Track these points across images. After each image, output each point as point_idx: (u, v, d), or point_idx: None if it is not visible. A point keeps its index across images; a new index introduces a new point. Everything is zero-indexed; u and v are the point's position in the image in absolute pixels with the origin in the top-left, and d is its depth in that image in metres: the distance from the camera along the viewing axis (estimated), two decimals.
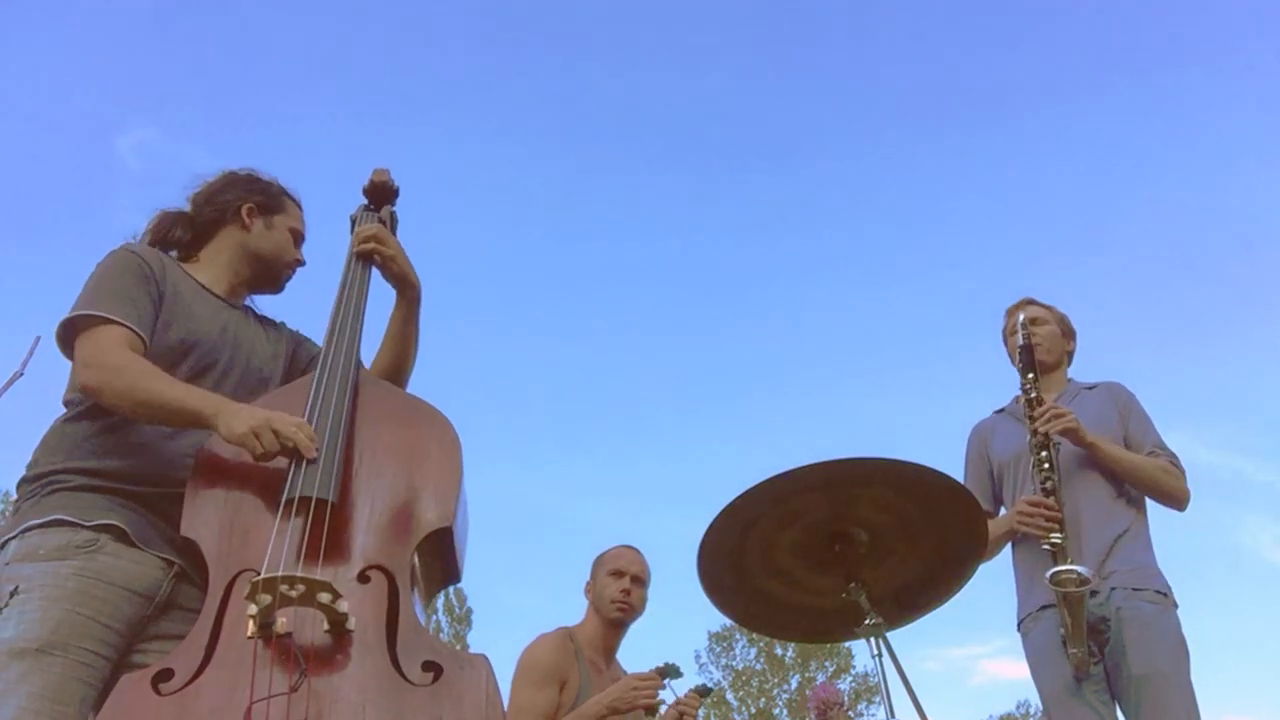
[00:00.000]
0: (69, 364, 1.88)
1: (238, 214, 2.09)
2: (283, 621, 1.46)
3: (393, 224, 2.27)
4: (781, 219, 31.08)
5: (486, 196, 30.35)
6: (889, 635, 1.86)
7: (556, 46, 30.79)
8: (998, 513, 2.90)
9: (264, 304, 2.20)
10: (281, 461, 1.71)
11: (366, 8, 27.71)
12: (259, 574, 1.50)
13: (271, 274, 2.14)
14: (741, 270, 31.48)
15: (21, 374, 3.24)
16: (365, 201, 2.31)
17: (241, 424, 1.68)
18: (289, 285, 2.20)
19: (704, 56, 30.66)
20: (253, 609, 1.44)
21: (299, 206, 2.20)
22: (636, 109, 31.72)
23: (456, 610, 22.72)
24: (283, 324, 2.21)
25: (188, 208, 2.13)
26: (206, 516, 1.69)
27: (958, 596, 2.05)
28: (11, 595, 1.63)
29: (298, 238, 2.17)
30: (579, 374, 32.16)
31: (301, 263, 2.18)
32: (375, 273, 2.13)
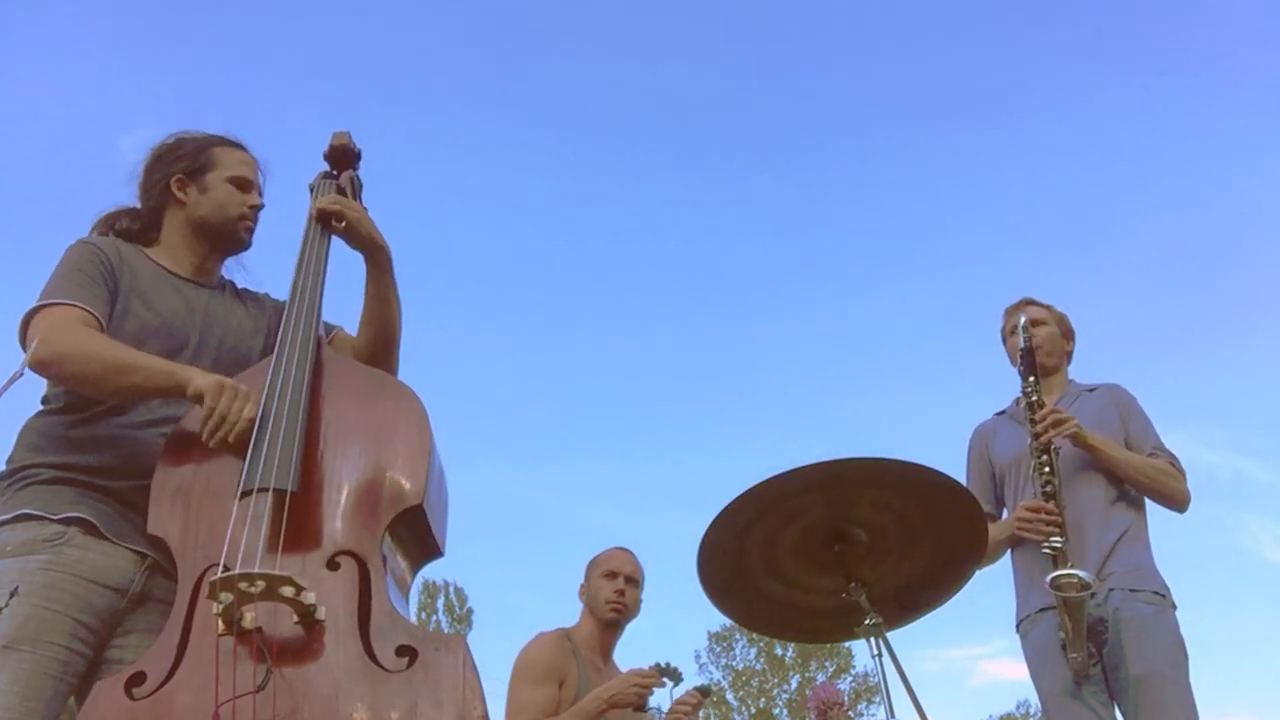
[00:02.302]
0: None
1: (169, 192, 2.00)
2: (250, 616, 1.42)
3: (355, 189, 2.16)
4: (782, 221, 31.12)
5: (487, 197, 30.38)
6: (889, 635, 1.85)
7: (557, 48, 30.78)
8: (999, 515, 2.88)
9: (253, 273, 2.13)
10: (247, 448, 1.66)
11: (369, 8, 27.72)
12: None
13: (225, 234, 2.01)
14: (742, 271, 31.52)
15: (22, 374, 3.24)
16: (325, 168, 2.19)
17: (205, 379, 1.66)
18: (279, 261, 2.08)
19: (704, 59, 30.69)
20: (216, 607, 1.42)
21: (239, 147, 2.06)
22: (637, 111, 31.73)
23: (457, 610, 22.76)
24: (265, 295, 2.12)
25: (138, 199, 2.05)
26: (173, 511, 1.66)
27: (957, 597, 2.04)
28: (11, 595, 1.61)
29: (242, 183, 2.02)
30: (579, 375, 32.18)
31: (257, 206, 2.03)
32: (338, 243, 2.02)
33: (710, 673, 24.59)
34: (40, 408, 1.86)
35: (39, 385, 1.88)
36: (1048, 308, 3.03)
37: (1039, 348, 2.83)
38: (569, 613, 3.29)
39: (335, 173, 2.19)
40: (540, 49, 30.82)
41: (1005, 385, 3.00)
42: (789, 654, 24.44)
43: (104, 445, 1.79)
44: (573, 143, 31.98)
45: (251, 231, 2.05)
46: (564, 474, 31.61)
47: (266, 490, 1.59)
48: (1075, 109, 28.97)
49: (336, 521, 1.62)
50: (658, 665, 2.90)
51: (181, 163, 2.00)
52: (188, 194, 1.99)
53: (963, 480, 2.92)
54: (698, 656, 24.80)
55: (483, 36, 29.20)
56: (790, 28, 29.03)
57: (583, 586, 3.26)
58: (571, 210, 32.60)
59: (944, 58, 29.17)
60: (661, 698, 2.95)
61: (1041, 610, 2.62)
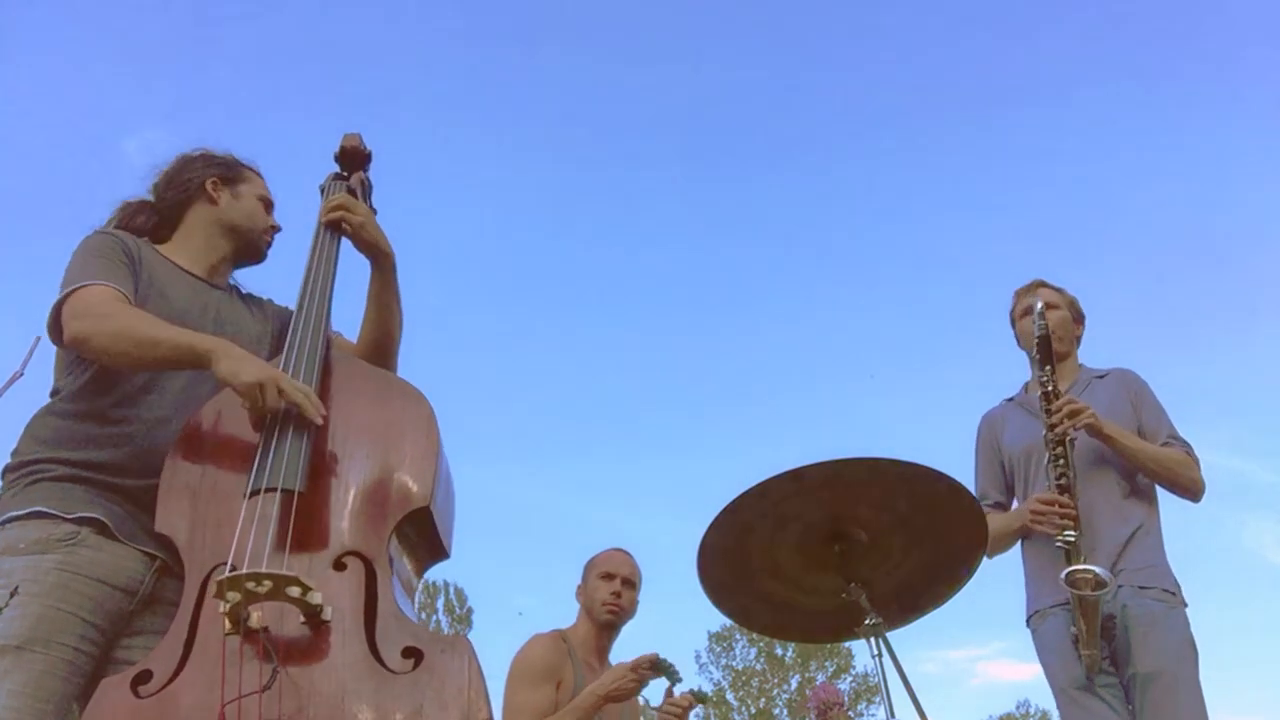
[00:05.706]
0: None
1: (203, 190, 2.04)
2: (257, 616, 1.43)
3: (365, 191, 2.19)
4: (783, 220, 31.12)
5: (487, 197, 30.40)
6: (889, 635, 1.85)
7: (557, 47, 30.78)
8: (1009, 504, 2.84)
9: (249, 280, 2.17)
10: (256, 448, 1.67)
11: (371, 6, 27.73)
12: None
13: (250, 242, 2.08)
14: (742, 271, 31.54)
15: (21, 374, 3.23)
16: (336, 169, 2.23)
17: (250, 374, 1.65)
18: (273, 261, 2.16)
19: (707, 58, 30.69)
20: (223, 607, 1.42)
21: (260, 175, 2.15)
22: (638, 110, 31.74)
23: (457, 610, 22.76)
24: (268, 301, 2.16)
25: (150, 196, 2.08)
26: (180, 510, 1.66)
27: (957, 597, 2.04)
28: (12, 595, 1.61)
29: (267, 205, 2.11)
30: (579, 374, 32.18)
31: (277, 228, 2.13)
32: (348, 244, 2.06)
33: (710, 673, 24.62)
34: (49, 400, 1.87)
35: (44, 387, 1.89)
36: (1059, 290, 2.96)
37: (1051, 333, 2.75)
38: (569, 613, 3.28)
39: (346, 174, 2.21)
40: (541, 46, 30.84)
41: (1007, 378, 2.98)
42: (789, 654, 24.43)
43: (117, 442, 1.80)
44: (575, 142, 32.04)
45: (269, 248, 2.13)
46: (564, 473, 31.65)
47: (275, 490, 1.59)
48: (1076, 108, 29.01)
49: (344, 522, 1.62)
50: (653, 660, 2.87)
51: (218, 168, 2.07)
52: (221, 195, 2.04)
53: (965, 475, 2.89)
54: (698, 656, 24.81)
55: (480, 33, 29.24)
56: (793, 25, 29.06)
57: (580, 587, 3.25)
58: (573, 208, 32.66)
59: (948, 55, 29.24)
60: (657, 693, 2.93)
61: (1053, 606, 2.59)
